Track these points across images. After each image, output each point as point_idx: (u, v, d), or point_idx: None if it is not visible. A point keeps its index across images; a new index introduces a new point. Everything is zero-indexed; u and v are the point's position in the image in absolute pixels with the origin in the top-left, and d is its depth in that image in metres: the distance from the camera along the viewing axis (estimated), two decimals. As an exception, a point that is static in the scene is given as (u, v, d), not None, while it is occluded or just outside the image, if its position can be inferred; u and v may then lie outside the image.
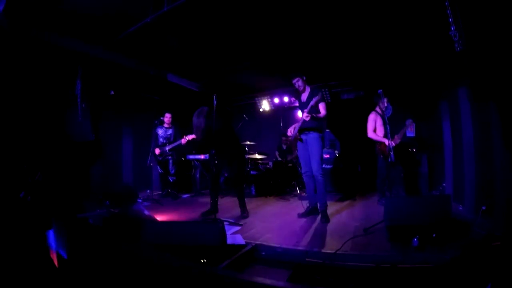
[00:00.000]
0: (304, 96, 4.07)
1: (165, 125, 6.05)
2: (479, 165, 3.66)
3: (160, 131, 6.00)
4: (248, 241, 2.94)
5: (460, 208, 4.00)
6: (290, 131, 4.12)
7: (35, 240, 2.35)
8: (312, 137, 3.90)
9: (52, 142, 4.65)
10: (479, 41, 3.09)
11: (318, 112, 3.88)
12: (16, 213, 2.93)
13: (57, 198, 4.13)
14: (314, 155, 3.87)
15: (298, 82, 4.02)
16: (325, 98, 3.93)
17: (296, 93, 4.13)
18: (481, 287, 1.59)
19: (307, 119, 3.80)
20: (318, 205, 3.92)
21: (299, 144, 4.09)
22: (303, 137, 4.00)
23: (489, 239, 2.30)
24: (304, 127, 3.93)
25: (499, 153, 3.05)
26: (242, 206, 4.22)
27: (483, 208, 3.08)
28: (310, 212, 4.05)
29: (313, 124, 3.88)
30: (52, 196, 4.06)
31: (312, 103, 3.77)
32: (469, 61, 3.35)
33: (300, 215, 4.04)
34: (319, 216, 3.85)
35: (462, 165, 4.10)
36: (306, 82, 4.10)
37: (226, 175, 4.48)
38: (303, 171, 4.11)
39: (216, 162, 4.26)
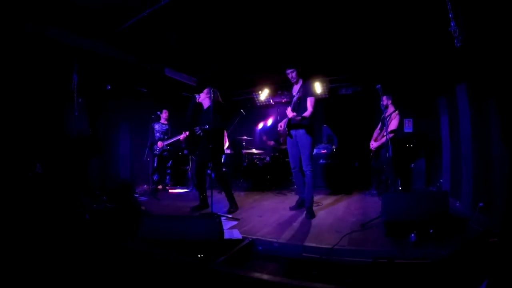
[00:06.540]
0: (295, 89, 3.92)
1: (162, 121, 6.18)
2: (476, 161, 3.66)
3: (157, 126, 6.11)
4: (245, 235, 2.93)
5: (457, 204, 4.01)
6: (281, 126, 3.99)
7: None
8: (301, 133, 3.78)
9: (49, 136, 4.61)
10: (479, 37, 3.07)
11: (305, 109, 3.73)
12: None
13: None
14: (303, 150, 3.77)
15: (293, 74, 3.82)
16: (314, 93, 3.79)
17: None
18: (477, 283, 1.59)
19: (290, 116, 3.70)
20: (305, 201, 3.85)
21: (288, 139, 3.98)
22: (293, 132, 3.87)
23: (486, 236, 2.32)
24: (293, 123, 3.82)
25: (497, 150, 3.05)
26: (230, 200, 4.15)
27: (481, 204, 3.09)
28: (300, 205, 4.10)
29: (301, 120, 3.74)
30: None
31: (294, 99, 3.62)
32: (468, 57, 3.34)
33: (291, 208, 4.13)
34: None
35: (460, 161, 4.11)
36: (301, 75, 3.89)
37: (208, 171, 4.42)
38: (292, 166, 4.01)
39: (197, 153, 4.27)
